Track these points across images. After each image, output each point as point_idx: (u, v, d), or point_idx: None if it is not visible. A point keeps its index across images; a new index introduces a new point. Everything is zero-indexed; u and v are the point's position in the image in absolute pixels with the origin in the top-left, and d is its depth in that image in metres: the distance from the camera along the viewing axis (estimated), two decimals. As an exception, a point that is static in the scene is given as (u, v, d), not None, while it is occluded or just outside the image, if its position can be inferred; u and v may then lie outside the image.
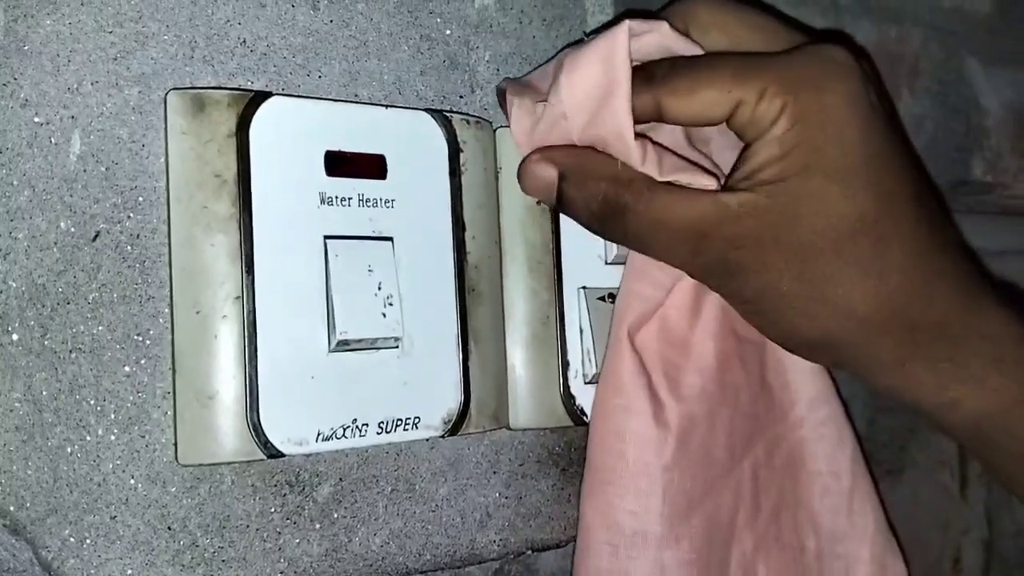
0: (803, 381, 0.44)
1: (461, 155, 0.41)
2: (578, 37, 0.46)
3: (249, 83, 0.37)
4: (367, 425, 0.37)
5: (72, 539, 0.33)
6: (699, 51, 0.38)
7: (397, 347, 0.38)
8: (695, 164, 0.38)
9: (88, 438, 0.34)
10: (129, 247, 0.35)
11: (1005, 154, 0.69)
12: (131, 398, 0.34)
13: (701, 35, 0.39)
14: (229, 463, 0.35)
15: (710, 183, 0.37)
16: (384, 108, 0.39)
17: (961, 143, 0.66)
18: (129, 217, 0.35)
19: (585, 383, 0.43)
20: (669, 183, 0.37)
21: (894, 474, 0.61)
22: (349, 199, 0.38)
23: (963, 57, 0.67)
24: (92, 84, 0.34)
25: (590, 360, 0.43)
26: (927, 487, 0.63)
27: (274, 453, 0.35)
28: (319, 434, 0.36)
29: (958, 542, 0.65)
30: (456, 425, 0.39)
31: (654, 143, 0.38)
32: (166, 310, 0.35)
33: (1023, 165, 0.70)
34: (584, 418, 0.43)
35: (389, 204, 0.39)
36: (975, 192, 0.68)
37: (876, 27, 0.61)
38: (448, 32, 0.43)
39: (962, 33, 0.66)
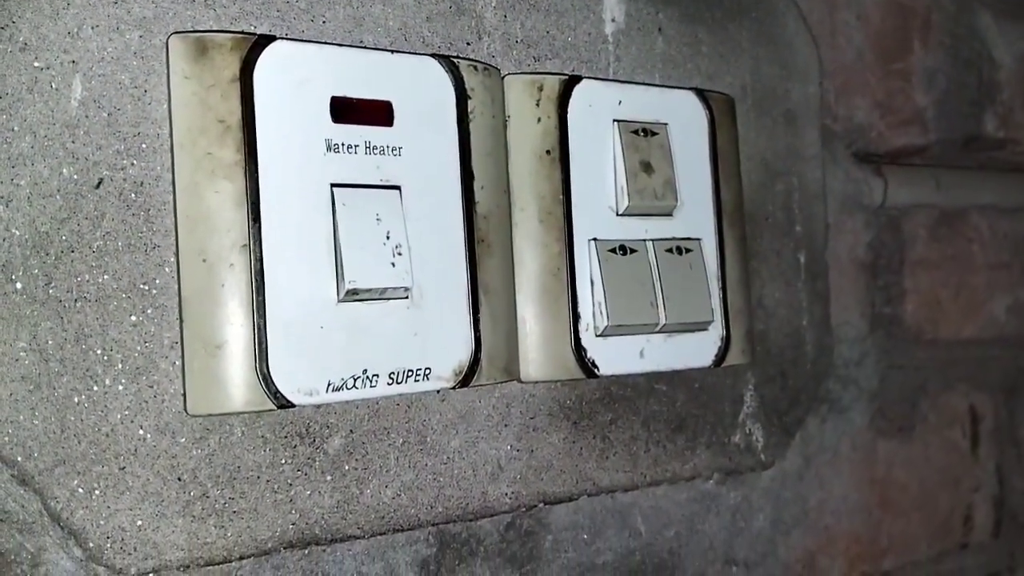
0: None
1: (469, 102, 0.40)
2: (587, -16, 0.45)
3: (252, 27, 0.37)
4: (377, 376, 0.37)
5: (81, 490, 0.33)
6: None
7: (407, 297, 0.38)
8: None
9: (95, 388, 0.33)
10: (133, 195, 0.34)
11: (1017, 109, 0.68)
12: (138, 348, 0.34)
13: None
14: (239, 413, 0.35)
15: None
16: (390, 53, 0.38)
17: (973, 98, 0.65)
18: (132, 164, 0.34)
19: (596, 336, 0.43)
20: None
21: (905, 431, 0.61)
22: (356, 146, 0.37)
23: (975, 10, 0.66)
24: (92, 28, 0.34)
25: (601, 313, 0.43)
26: (938, 444, 0.63)
27: (284, 403, 0.34)
28: (329, 384, 0.36)
29: (969, 499, 0.65)
30: (467, 377, 0.39)
31: None
32: (172, 258, 0.35)
33: (1036, 120, 0.69)
34: (595, 371, 0.43)
35: (396, 152, 0.38)
36: (987, 148, 0.67)
37: (888, -23, 0.60)
38: (454, -23, 0.42)
39: (975, -16, 0.65)
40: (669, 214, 0.45)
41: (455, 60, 0.40)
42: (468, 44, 0.42)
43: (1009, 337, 0.68)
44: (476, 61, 0.41)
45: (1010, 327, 0.68)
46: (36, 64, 0.33)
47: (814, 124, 0.55)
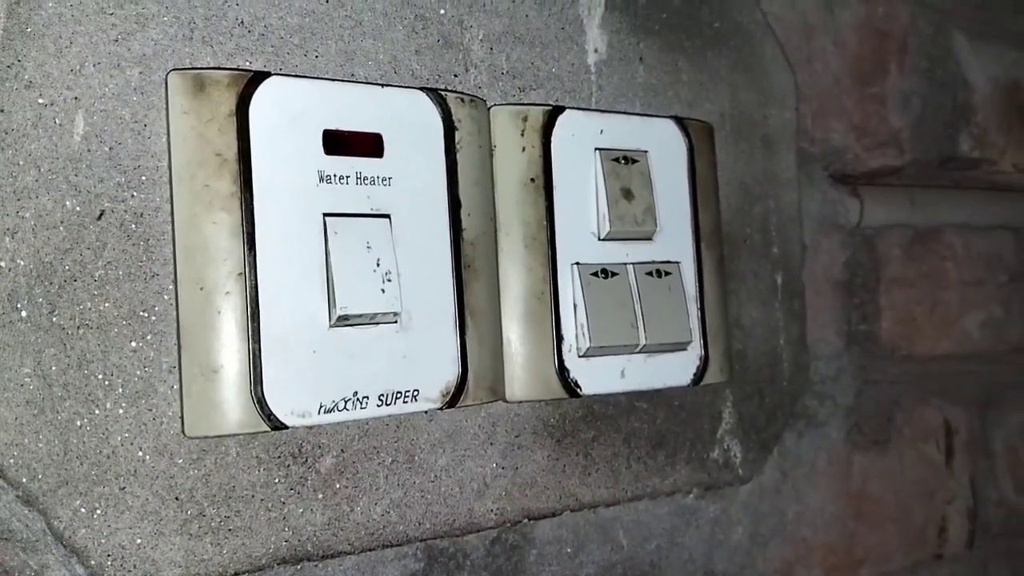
0: None
1: (456, 133, 0.41)
2: (571, 16, 0.47)
3: (247, 63, 0.38)
4: (367, 397, 0.38)
5: (83, 509, 0.34)
6: None
7: (396, 322, 0.39)
8: None
9: (97, 412, 0.34)
10: (133, 225, 0.36)
11: (992, 130, 0.70)
12: (138, 372, 0.35)
13: None
14: (234, 435, 0.37)
15: None
16: (380, 87, 0.40)
17: (948, 119, 0.67)
18: (133, 196, 0.36)
19: (579, 356, 0.44)
20: None
21: (880, 444, 0.63)
22: (347, 177, 0.39)
23: (951, 33, 0.68)
24: (94, 65, 0.35)
25: (584, 334, 0.44)
26: (913, 457, 0.65)
27: (277, 425, 0.36)
28: (321, 406, 0.37)
29: (943, 511, 0.67)
30: (454, 397, 0.40)
31: None
32: (170, 287, 0.36)
33: (1009, 141, 0.71)
34: (578, 390, 0.44)
35: (386, 182, 0.40)
36: (962, 168, 0.69)
37: (864, 4, 0.62)
38: (442, 12, 0.43)
39: (949, 8, 0.67)
40: (649, 238, 0.47)
41: (443, 92, 0.41)
42: (455, 76, 0.43)
43: (983, 352, 0.70)
44: (463, 93, 0.42)
45: (984, 343, 0.70)
46: (40, 101, 0.34)
47: (790, 148, 0.56)
